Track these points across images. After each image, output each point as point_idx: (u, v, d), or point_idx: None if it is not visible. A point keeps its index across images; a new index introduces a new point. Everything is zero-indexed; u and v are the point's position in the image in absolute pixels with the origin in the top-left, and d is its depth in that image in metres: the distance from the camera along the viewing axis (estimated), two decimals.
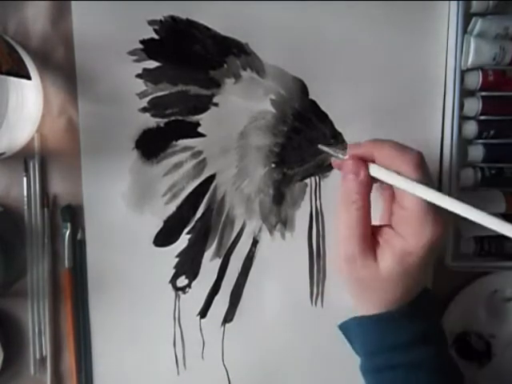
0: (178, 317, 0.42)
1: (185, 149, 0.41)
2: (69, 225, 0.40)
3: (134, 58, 0.39)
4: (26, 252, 0.40)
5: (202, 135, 0.41)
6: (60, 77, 0.40)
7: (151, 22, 0.39)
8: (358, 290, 0.35)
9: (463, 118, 0.40)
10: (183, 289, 0.42)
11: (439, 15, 0.40)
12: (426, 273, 0.34)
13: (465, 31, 0.39)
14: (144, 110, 0.40)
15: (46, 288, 0.41)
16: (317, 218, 0.42)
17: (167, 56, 0.40)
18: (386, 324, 0.34)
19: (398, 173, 0.31)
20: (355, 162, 0.33)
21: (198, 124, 0.40)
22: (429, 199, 0.30)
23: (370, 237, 0.33)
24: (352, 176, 0.33)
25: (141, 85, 0.40)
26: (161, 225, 0.41)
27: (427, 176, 0.31)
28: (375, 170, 0.32)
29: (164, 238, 0.41)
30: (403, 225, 0.32)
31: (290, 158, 0.41)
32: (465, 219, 0.30)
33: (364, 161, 0.33)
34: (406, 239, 0.31)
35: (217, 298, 0.42)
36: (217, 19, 0.39)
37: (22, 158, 0.40)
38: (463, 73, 0.39)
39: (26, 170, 0.40)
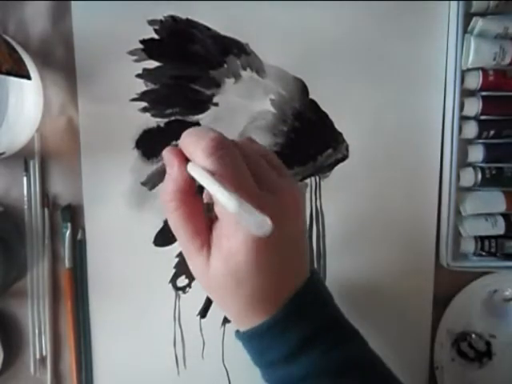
0: (178, 317, 0.42)
1: None
2: (69, 225, 0.40)
3: (134, 58, 0.39)
4: (26, 252, 0.40)
5: None
6: (60, 77, 0.40)
7: (151, 22, 0.39)
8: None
9: (463, 118, 0.40)
10: (183, 289, 0.42)
11: (439, 15, 0.40)
12: (276, 272, 0.28)
13: (465, 31, 0.39)
14: (144, 109, 0.40)
15: (45, 288, 0.41)
16: (317, 218, 0.42)
17: (167, 56, 0.40)
18: (264, 336, 0.30)
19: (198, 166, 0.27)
20: (169, 156, 0.28)
21: (198, 124, 0.40)
22: (213, 193, 0.25)
23: (204, 233, 0.29)
24: (169, 172, 0.29)
25: (141, 85, 0.40)
26: (161, 225, 0.41)
27: (228, 166, 0.27)
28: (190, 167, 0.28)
29: (164, 238, 0.41)
30: (223, 224, 0.28)
31: (290, 158, 0.41)
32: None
33: (183, 156, 0.28)
34: (229, 239, 0.27)
35: None
36: (217, 19, 0.39)
37: (22, 158, 0.39)
38: (463, 73, 0.39)
39: (26, 170, 0.40)
